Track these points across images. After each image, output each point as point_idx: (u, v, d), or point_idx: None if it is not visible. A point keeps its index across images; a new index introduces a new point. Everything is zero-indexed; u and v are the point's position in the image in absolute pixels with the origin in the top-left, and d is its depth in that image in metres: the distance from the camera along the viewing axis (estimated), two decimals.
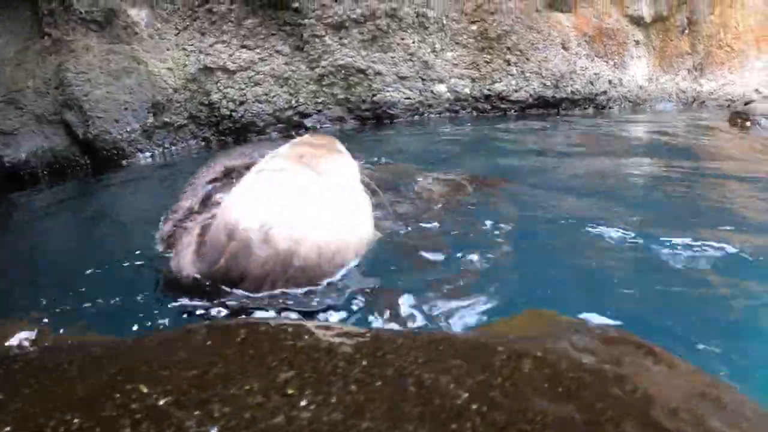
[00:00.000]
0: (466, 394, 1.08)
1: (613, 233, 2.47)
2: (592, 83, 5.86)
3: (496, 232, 2.46)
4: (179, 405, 1.06)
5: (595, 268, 2.24)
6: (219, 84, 4.92)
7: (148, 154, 4.79)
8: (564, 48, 5.65)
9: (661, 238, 2.36)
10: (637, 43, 6.09)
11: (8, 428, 0.99)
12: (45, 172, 4.85)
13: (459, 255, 2.21)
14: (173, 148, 4.87)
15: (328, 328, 1.47)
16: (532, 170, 3.65)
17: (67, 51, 4.84)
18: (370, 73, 5.13)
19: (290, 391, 1.11)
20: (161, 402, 1.06)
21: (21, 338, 1.69)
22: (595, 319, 1.80)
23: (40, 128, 4.92)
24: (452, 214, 2.67)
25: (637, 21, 6.03)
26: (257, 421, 0.99)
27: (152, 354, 1.31)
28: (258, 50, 4.97)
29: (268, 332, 1.40)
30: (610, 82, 5.97)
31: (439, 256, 2.22)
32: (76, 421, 1.02)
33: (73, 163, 4.88)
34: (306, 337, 1.36)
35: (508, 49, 5.45)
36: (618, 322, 1.76)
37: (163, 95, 4.84)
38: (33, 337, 1.50)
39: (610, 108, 6.01)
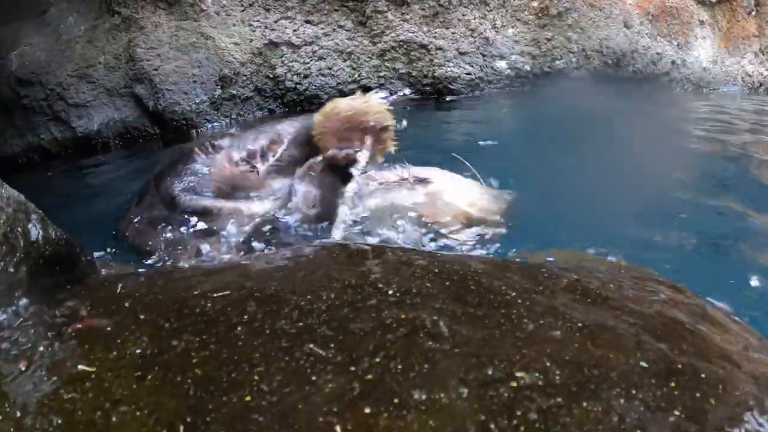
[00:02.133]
0: (513, 293, 1.39)
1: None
2: (654, 63, 6.15)
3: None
4: (294, 293, 1.37)
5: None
6: (284, 58, 5.36)
7: (216, 124, 5.27)
8: (626, 26, 5.96)
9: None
10: (702, 23, 6.37)
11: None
12: (116, 142, 5.36)
13: None
14: (240, 119, 5.35)
15: (404, 250, 1.86)
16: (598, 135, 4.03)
17: (137, 28, 5.36)
18: (432, 48, 5.52)
19: (380, 285, 1.40)
20: (273, 291, 1.46)
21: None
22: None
23: (111, 101, 5.43)
24: None
25: (702, 0, 6.36)
26: (355, 302, 1.33)
27: (274, 264, 1.72)
28: (321, 25, 5.42)
29: (361, 250, 1.79)
30: (673, 62, 6.25)
31: None
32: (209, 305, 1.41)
33: (143, 133, 5.37)
34: (390, 254, 1.76)
35: (570, 26, 5.78)
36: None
37: (230, 69, 5.32)
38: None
39: (672, 89, 6.29)
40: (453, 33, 5.51)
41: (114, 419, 1.05)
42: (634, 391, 1.05)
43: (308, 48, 5.36)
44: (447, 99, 5.58)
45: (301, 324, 1.22)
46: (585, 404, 1.01)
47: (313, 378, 1.06)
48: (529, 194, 2.75)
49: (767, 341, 1.41)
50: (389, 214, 2.46)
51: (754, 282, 2.11)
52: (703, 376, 1.13)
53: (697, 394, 1.07)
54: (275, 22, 5.34)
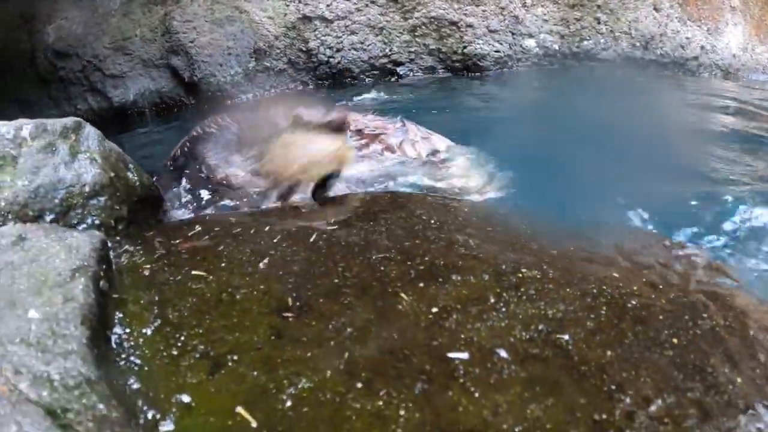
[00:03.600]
0: (526, 227, 1.99)
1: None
2: (683, 47, 6.58)
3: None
4: (359, 219, 1.98)
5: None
6: (317, 32, 5.89)
7: (250, 95, 5.82)
8: (656, 9, 6.41)
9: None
10: (734, 9, 6.78)
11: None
12: (152, 111, 5.93)
13: None
14: (273, 90, 5.89)
15: (443, 196, 2.40)
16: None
17: (173, 2, 5.90)
18: (462, 25, 6.01)
19: (424, 217, 2.02)
20: (344, 218, 2.02)
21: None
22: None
23: (147, 72, 5.98)
24: None
25: None
26: (406, 227, 1.92)
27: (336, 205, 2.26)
28: (354, 1, 5.95)
29: (404, 195, 2.33)
30: (702, 47, 6.67)
31: None
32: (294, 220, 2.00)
33: (178, 103, 5.92)
34: (430, 198, 2.30)
35: (599, 7, 6.24)
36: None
37: (264, 42, 5.85)
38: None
39: (699, 74, 6.72)
40: (483, 11, 6.00)
41: (238, 297, 1.59)
42: (604, 287, 1.58)
43: (341, 22, 5.87)
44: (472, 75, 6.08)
45: (368, 239, 1.76)
46: (568, 289, 1.55)
47: (382, 268, 1.59)
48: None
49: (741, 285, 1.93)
50: None
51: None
52: (660, 287, 1.65)
53: (652, 295, 1.59)
54: None
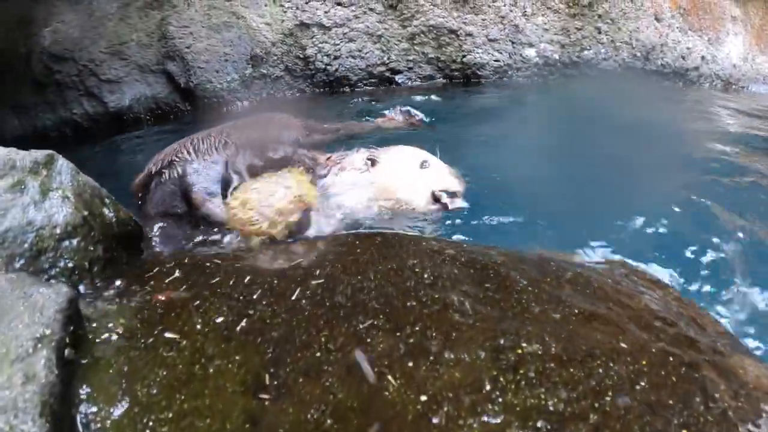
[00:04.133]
0: (525, 282, 1.78)
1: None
2: (683, 57, 6.40)
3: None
4: (346, 273, 1.74)
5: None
6: (314, 39, 5.68)
7: (246, 102, 5.63)
8: (657, 19, 6.21)
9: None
10: (734, 19, 6.60)
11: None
12: (147, 117, 5.74)
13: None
14: (269, 97, 5.71)
15: (437, 240, 2.22)
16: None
17: (169, 6, 5.70)
18: (461, 33, 5.81)
19: (416, 270, 1.82)
20: (329, 271, 1.81)
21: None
22: None
23: (143, 77, 5.79)
24: None
25: None
26: (397, 284, 1.72)
27: (323, 249, 2.07)
28: (353, 8, 5.73)
29: (395, 240, 2.15)
30: (702, 57, 6.49)
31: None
32: (275, 281, 1.79)
33: (174, 109, 5.74)
34: (423, 244, 2.11)
35: (600, 16, 6.04)
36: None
37: (261, 48, 5.66)
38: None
39: (700, 84, 6.54)
40: (483, 19, 5.81)
41: (211, 370, 1.42)
42: (611, 364, 1.41)
43: (339, 30, 5.68)
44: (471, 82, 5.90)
45: (354, 299, 1.59)
46: (571, 369, 1.37)
47: (369, 339, 1.42)
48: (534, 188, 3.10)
49: (737, 340, 1.77)
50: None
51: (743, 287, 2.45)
52: (670, 359, 1.48)
53: (662, 372, 1.42)
54: (306, 3, 5.66)
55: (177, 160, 2.90)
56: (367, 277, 1.69)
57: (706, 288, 2.52)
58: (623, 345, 1.54)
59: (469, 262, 1.84)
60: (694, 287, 2.53)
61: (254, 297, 1.65)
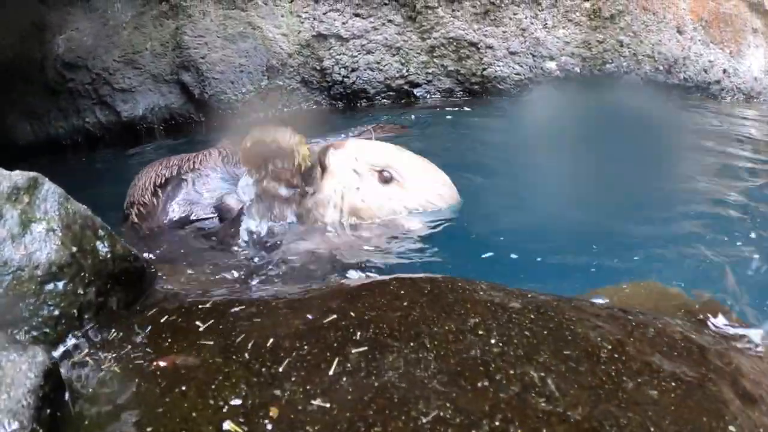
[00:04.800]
0: (609, 346, 1.37)
1: None
2: (705, 71, 5.96)
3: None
4: (395, 338, 1.31)
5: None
6: (332, 51, 5.28)
7: (261, 114, 5.23)
8: (679, 31, 5.79)
9: None
10: (755, 31, 6.17)
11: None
12: (160, 127, 5.35)
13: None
14: (285, 110, 5.30)
15: (495, 288, 1.75)
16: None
17: (184, 16, 5.31)
18: (482, 46, 5.39)
19: (480, 332, 1.35)
20: (372, 335, 1.33)
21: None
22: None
23: (156, 87, 5.41)
24: None
25: (756, 7, 6.12)
26: (460, 354, 1.27)
27: (359, 299, 1.62)
28: (371, 19, 5.32)
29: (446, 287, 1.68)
30: (724, 71, 6.06)
31: None
32: (306, 346, 1.31)
33: (188, 120, 5.35)
34: (482, 293, 1.66)
35: (621, 29, 5.62)
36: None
37: (277, 59, 5.25)
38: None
39: (722, 98, 6.12)
40: (503, 32, 5.40)
41: None
42: None
43: (357, 41, 5.28)
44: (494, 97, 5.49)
45: (409, 377, 1.16)
46: None
47: None
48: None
49: None
50: None
51: None
52: None
53: None
54: (324, 14, 5.26)
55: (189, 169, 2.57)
56: (422, 345, 1.27)
57: None
58: (732, 429, 1.13)
59: (539, 320, 1.41)
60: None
61: (281, 370, 1.23)
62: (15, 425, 1.05)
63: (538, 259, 2.32)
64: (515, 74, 5.47)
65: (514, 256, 2.29)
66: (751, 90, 6.18)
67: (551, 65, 5.51)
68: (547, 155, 3.51)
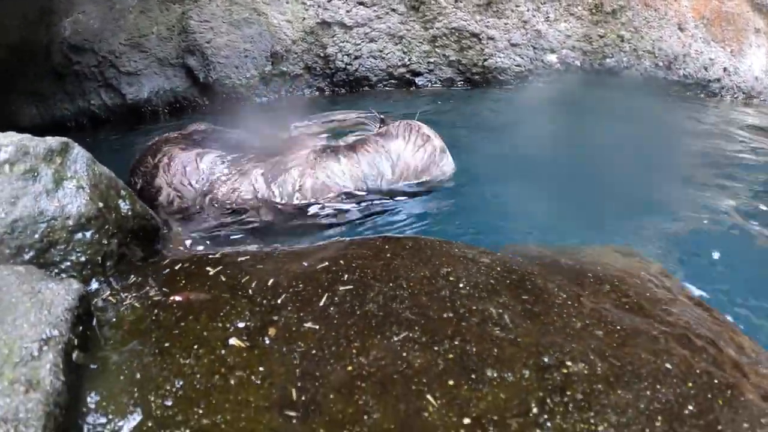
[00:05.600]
0: (564, 295, 1.64)
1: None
2: (705, 69, 6.22)
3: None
4: (377, 280, 1.58)
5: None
6: (335, 38, 5.56)
7: (264, 99, 5.51)
8: (680, 28, 6.05)
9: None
10: (757, 31, 6.42)
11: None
12: (165, 110, 5.63)
13: None
14: (288, 95, 5.58)
15: (469, 247, 2.05)
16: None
17: (190, 1, 5.56)
18: (483, 37, 5.67)
19: (451, 278, 1.62)
20: (358, 277, 1.62)
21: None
22: None
23: (162, 70, 5.67)
24: None
25: (758, 7, 6.37)
26: (432, 293, 1.55)
27: (350, 252, 1.91)
28: (375, 8, 5.59)
29: (428, 245, 1.98)
30: (725, 69, 6.31)
31: None
32: (301, 285, 1.62)
33: (192, 103, 5.62)
34: (457, 250, 1.95)
35: (623, 24, 5.88)
36: None
37: (281, 45, 5.53)
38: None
39: (722, 97, 6.37)
40: (505, 24, 5.66)
41: (233, 381, 1.28)
42: (658, 386, 1.27)
43: (360, 29, 5.55)
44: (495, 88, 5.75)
45: (387, 308, 1.44)
46: (619, 391, 1.24)
47: (405, 354, 1.27)
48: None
49: None
50: None
51: None
52: (715, 381, 1.33)
53: (709, 395, 1.28)
54: (328, 1, 5.52)
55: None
56: (399, 285, 1.54)
57: (740, 307, 2.35)
58: (668, 366, 1.40)
59: (505, 272, 1.69)
60: (726, 303, 2.36)
61: (279, 302, 1.50)
62: (55, 332, 1.32)
63: (525, 230, 2.62)
64: (516, 66, 5.73)
65: (501, 223, 2.58)
66: (751, 89, 6.42)
67: (552, 58, 5.78)
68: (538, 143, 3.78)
